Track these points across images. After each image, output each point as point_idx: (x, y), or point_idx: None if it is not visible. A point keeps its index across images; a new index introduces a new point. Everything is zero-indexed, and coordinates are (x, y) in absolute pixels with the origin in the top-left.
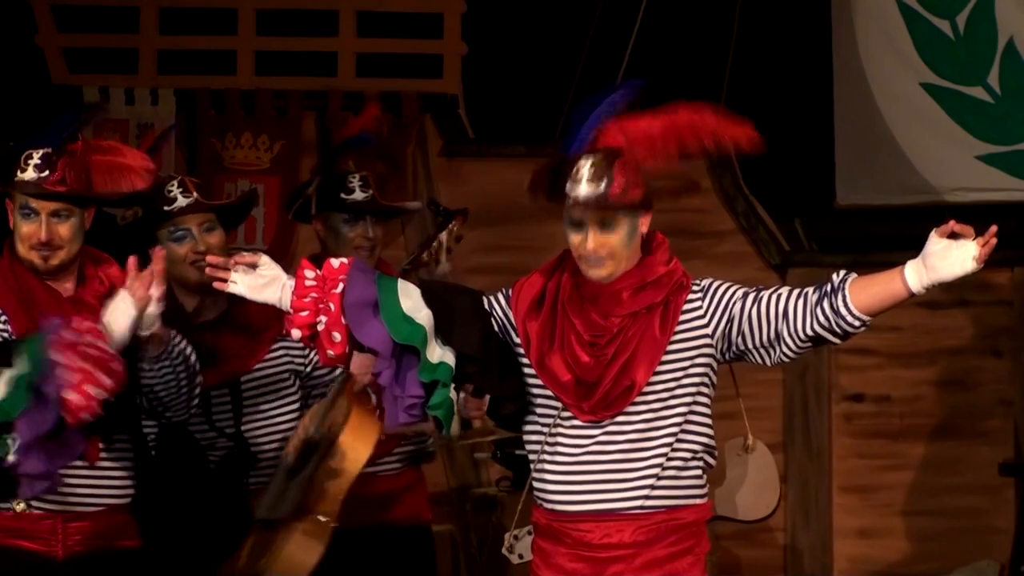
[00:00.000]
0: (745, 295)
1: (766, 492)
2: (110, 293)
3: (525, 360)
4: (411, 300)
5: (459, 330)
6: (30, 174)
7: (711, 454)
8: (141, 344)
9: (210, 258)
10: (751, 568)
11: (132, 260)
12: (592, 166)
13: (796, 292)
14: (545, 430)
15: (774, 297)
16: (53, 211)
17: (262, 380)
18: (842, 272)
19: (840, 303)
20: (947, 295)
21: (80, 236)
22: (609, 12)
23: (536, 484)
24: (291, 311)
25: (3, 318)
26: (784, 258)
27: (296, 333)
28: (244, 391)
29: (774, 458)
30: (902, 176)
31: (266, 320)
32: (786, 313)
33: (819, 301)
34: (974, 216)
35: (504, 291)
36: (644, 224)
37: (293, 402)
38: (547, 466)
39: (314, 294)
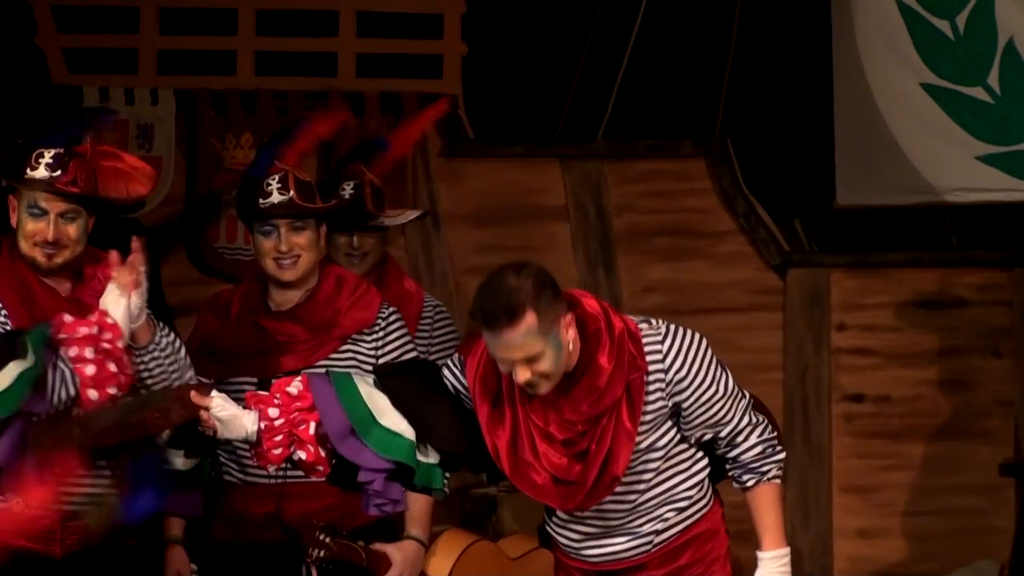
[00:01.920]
0: (700, 417)
1: None
2: None
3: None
4: (386, 415)
5: (439, 431)
6: (41, 173)
7: (707, 474)
8: (130, 335)
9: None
10: (751, 568)
11: (113, 254)
12: None
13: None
14: None
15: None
16: (62, 211)
17: None
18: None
19: (738, 480)
20: (947, 295)
21: (84, 238)
22: (609, 12)
23: (548, 530)
24: (263, 449)
25: (4, 313)
26: (784, 258)
27: (271, 468)
28: None
29: None
30: (902, 176)
31: (332, 317)
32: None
33: (727, 460)
34: (974, 216)
35: (455, 365)
36: (568, 332)
37: None
38: (554, 524)
39: (281, 434)
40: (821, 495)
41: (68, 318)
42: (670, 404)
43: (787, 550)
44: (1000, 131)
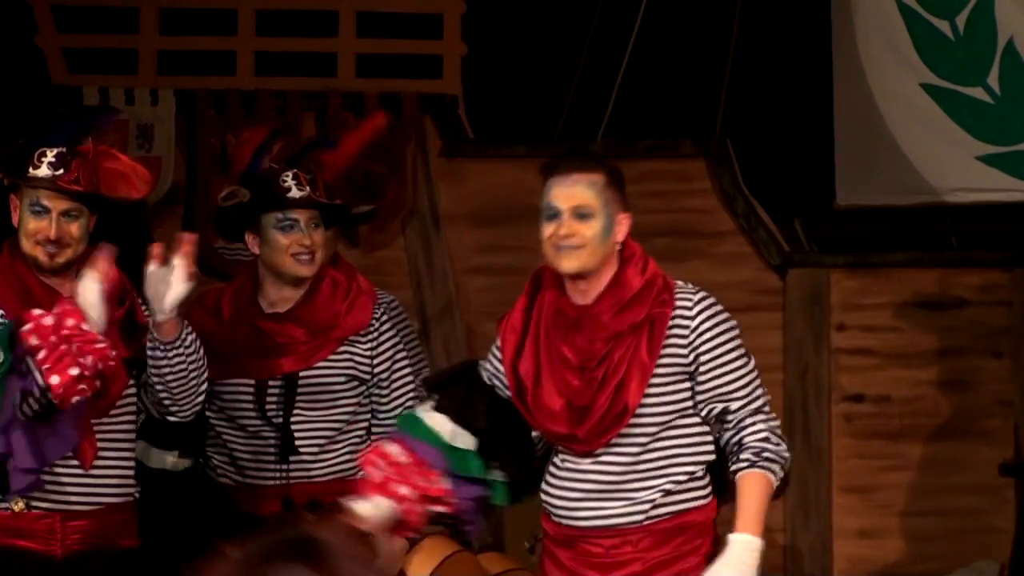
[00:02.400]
0: (709, 372)
1: None
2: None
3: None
4: (450, 434)
5: (480, 421)
6: (44, 171)
7: (711, 456)
8: (156, 329)
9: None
10: None
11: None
12: None
13: (737, 432)
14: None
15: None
16: (64, 210)
17: (320, 379)
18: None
19: (735, 462)
20: (946, 295)
21: (87, 237)
22: (609, 12)
23: (543, 498)
24: (408, 522)
25: (1, 314)
26: (784, 258)
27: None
28: (300, 386)
29: None
30: (902, 177)
31: (333, 319)
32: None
33: (731, 450)
34: (974, 216)
35: (494, 347)
36: (621, 228)
37: (346, 405)
38: (552, 486)
39: (418, 503)
40: (821, 495)
41: (35, 311)
42: (690, 358)
43: (760, 541)
44: (1000, 131)
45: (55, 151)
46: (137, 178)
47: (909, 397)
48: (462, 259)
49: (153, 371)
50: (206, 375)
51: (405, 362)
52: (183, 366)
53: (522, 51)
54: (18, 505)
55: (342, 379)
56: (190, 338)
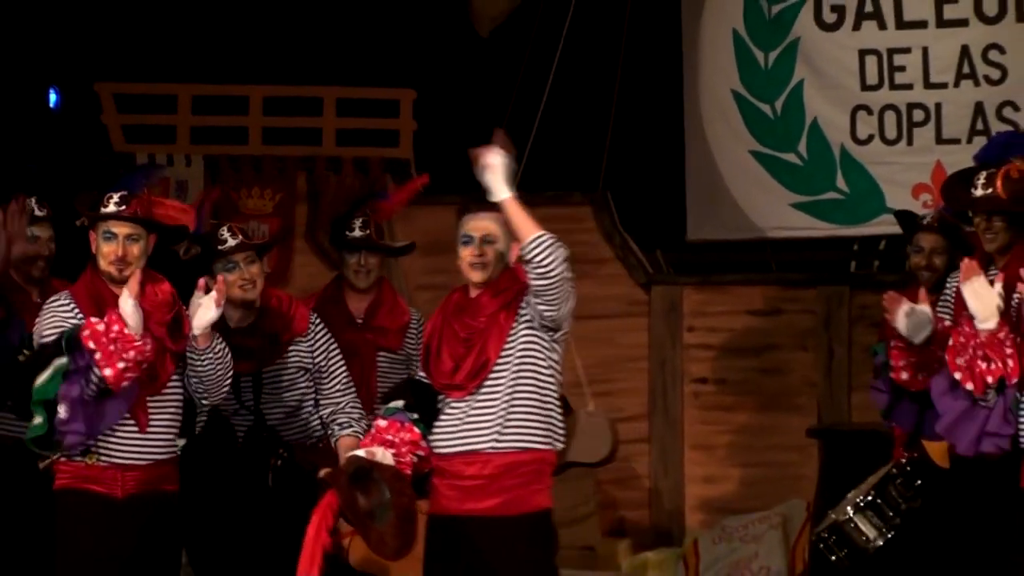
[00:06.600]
0: None
1: (600, 442)
2: (165, 301)
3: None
4: (403, 408)
5: (406, 395)
6: (111, 208)
7: (551, 411)
8: (194, 340)
9: None
10: (624, 504)
11: (201, 280)
12: None
13: None
14: (440, 406)
15: None
16: (127, 234)
17: (278, 373)
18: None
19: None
20: (768, 306)
21: (146, 256)
22: (521, 102)
23: (432, 440)
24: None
25: (80, 316)
26: (648, 279)
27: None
28: (264, 379)
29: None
30: (735, 218)
31: (284, 328)
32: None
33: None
34: (788, 248)
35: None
36: (513, 252)
37: (298, 389)
38: (437, 427)
39: (405, 451)
40: (675, 452)
41: (93, 320)
42: (528, 301)
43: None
44: (807, 185)
45: (119, 194)
46: (182, 212)
47: (740, 380)
48: (413, 278)
49: (191, 369)
50: (231, 373)
51: (337, 355)
52: (212, 367)
53: (457, 127)
54: (91, 459)
55: (293, 370)
56: (220, 347)
